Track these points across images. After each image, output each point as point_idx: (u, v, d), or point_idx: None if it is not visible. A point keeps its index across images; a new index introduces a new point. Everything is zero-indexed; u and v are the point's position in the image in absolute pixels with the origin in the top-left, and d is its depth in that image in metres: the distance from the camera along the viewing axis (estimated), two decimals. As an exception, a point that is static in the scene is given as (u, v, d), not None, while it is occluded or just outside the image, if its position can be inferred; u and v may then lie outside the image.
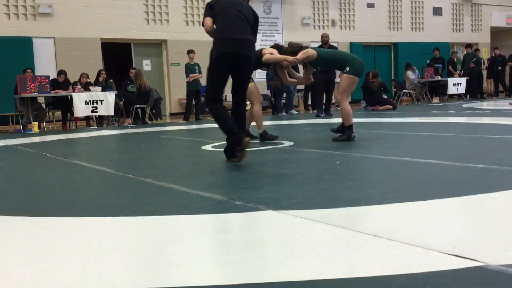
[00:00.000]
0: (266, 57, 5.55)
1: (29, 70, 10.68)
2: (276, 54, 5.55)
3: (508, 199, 2.55)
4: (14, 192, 3.51)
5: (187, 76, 11.59)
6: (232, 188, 3.21)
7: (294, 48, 5.56)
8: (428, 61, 15.97)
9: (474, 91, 15.88)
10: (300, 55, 5.43)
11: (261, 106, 5.90)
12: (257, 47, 16.60)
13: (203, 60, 12.67)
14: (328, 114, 10.71)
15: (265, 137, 5.78)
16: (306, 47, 5.59)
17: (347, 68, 5.40)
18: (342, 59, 5.51)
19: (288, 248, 1.92)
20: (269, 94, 13.51)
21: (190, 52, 11.71)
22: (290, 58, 5.47)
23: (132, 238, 2.18)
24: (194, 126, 9.56)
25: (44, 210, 2.81)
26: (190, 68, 11.62)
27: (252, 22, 4.21)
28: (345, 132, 5.51)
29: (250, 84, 5.70)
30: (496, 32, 21.90)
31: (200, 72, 11.64)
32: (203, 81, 12.51)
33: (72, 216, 2.60)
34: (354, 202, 2.59)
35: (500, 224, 2.10)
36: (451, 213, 2.36)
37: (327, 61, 5.59)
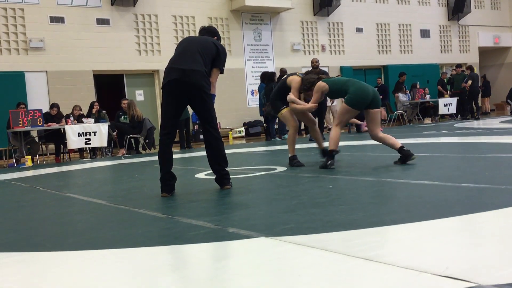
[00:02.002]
0: (291, 107, 5.68)
1: (22, 105, 10.70)
2: (298, 102, 5.59)
3: (500, 218, 2.55)
4: (5, 227, 3.47)
5: None
6: (225, 215, 3.20)
7: (307, 86, 5.50)
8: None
9: (466, 111, 16.00)
10: (315, 96, 5.37)
11: (295, 131, 5.81)
12: (248, 74, 16.77)
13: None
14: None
15: (292, 162, 5.74)
16: (319, 78, 5.46)
17: (346, 97, 5.25)
18: (344, 87, 5.26)
19: (281, 275, 1.91)
20: (262, 120, 13.60)
21: None
22: (308, 106, 5.47)
23: (124, 270, 2.16)
24: (187, 155, 9.56)
25: (35, 245, 2.79)
26: None
27: (214, 55, 4.28)
28: (327, 157, 5.33)
29: (284, 111, 5.74)
30: (484, 52, 22.25)
31: None
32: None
33: (64, 250, 2.57)
34: (347, 226, 2.58)
35: (493, 244, 2.10)
36: (443, 234, 2.35)
37: (333, 91, 5.40)
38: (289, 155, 5.82)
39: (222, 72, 4.40)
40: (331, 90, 5.34)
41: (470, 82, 15.56)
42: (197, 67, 4.14)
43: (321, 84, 5.35)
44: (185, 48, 4.30)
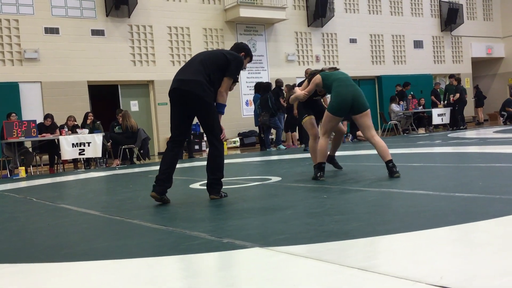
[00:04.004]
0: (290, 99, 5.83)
1: (13, 114, 10.64)
2: (296, 91, 5.61)
3: (494, 228, 2.56)
4: (-1, 239, 3.45)
5: None
6: (219, 225, 3.19)
7: (310, 76, 5.49)
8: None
9: (458, 121, 16.02)
10: (309, 86, 5.35)
11: (314, 139, 5.63)
12: (243, 84, 16.78)
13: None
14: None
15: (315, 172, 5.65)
16: (322, 70, 5.40)
17: (328, 105, 5.16)
18: (330, 86, 5.11)
19: (276, 285, 1.90)
20: (257, 130, 13.61)
21: None
22: (299, 93, 5.45)
23: (118, 281, 2.15)
24: (185, 165, 9.54)
25: (28, 257, 2.77)
26: None
27: (221, 65, 4.31)
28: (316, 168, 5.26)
29: (306, 118, 5.70)
30: (477, 62, 22.42)
31: None
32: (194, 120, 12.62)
33: (57, 262, 2.56)
34: (341, 236, 2.58)
35: (487, 253, 2.10)
36: (438, 243, 2.36)
37: (325, 86, 5.24)
38: (313, 164, 5.69)
39: (236, 80, 4.41)
40: (323, 83, 5.21)
41: (458, 95, 15.71)
42: (195, 77, 4.19)
43: (317, 76, 5.26)
44: (190, 60, 4.44)
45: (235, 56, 4.41)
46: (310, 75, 5.55)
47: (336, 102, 5.00)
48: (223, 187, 4.43)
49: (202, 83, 4.19)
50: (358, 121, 5.06)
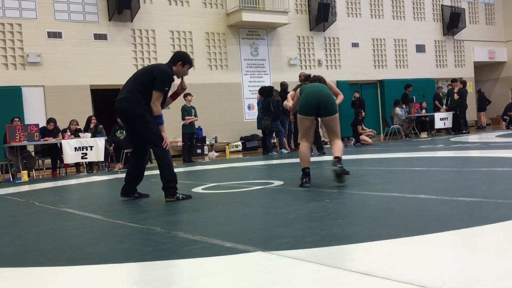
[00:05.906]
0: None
1: (16, 119, 10.67)
2: (288, 100, 5.85)
3: (497, 232, 2.55)
4: (1, 242, 3.45)
5: (183, 118, 11.68)
6: (221, 229, 3.19)
7: (294, 90, 5.75)
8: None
9: (461, 125, 15.95)
10: (294, 100, 5.54)
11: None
12: (245, 88, 16.69)
13: (198, 103, 12.80)
14: (321, 153, 10.71)
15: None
16: (303, 83, 5.56)
17: None
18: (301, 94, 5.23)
19: (278, 289, 1.90)
20: (259, 134, 13.61)
21: (187, 95, 11.78)
22: (288, 106, 5.77)
23: (120, 286, 2.15)
24: (187, 169, 9.54)
25: (30, 260, 2.77)
26: (187, 110, 11.73)
27: (149, 80, 4.72)
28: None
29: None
30: (479, 67, 22.42)
31: (196, 115, 11.75)
32: (197, 124, 12.63)
33: (59, 266, 2.56)
34: (344, 240, 2.58)
35: (489, 258, 2.10)
36: (440, 247, 2.35)
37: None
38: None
39: (164, 93, 4.79)
40: (300, 96, 5.25)
41: (458, 97, 15.58)
42: (126, 94, 4.75)
43: (296, 92, 5.50)
44: (126, 81, 4.91)
45: (161, 71, 4.77)
46: (294, 90, 5.77)
47: (303, 101, 5.12)
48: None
49: (132, 98, 4.71)
50: (325, 124, 5.18)
